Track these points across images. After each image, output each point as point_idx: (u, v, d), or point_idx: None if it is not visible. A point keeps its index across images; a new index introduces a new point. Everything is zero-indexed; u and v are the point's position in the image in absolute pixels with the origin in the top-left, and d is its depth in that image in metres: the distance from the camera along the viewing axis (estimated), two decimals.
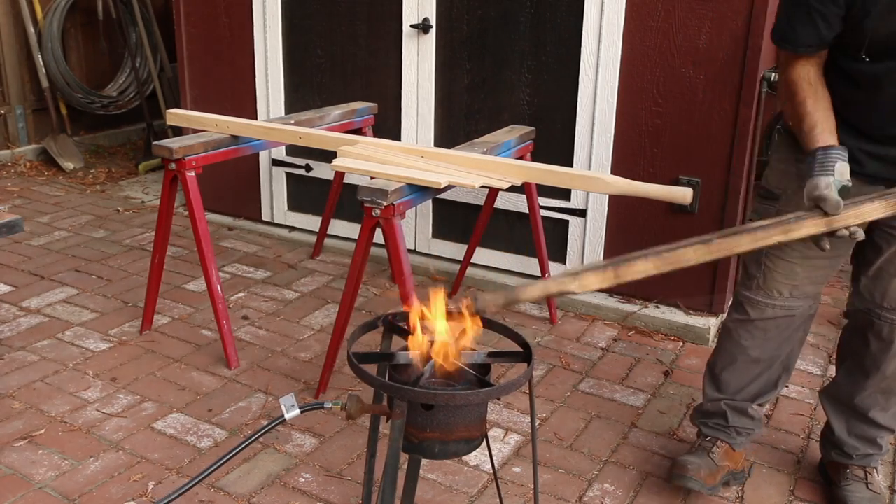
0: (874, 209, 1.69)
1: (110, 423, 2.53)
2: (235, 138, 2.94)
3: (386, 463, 1.54)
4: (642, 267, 1.58)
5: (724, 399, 2.22)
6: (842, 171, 1.72)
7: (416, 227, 3.85)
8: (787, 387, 2.84)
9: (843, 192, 1.68)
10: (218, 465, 1.47)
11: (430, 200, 3.53)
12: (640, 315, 3.31)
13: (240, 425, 2.54)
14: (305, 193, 4.15)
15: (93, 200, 4.72)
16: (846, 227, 1.67)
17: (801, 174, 1.93)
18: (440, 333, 1.55)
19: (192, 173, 2.78)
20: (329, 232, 3.93)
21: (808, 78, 1.86)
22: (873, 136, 1.88)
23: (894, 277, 1.97)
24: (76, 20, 5.58)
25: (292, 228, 4.24)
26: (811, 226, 1.66)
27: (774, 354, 2.15)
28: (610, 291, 3.47)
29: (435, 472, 2.32)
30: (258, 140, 2.98)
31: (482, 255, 3.66)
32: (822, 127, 1.80)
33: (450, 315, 1.57)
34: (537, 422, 2.59)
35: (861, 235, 1.69)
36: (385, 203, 2.34)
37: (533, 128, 3.16)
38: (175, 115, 3.11)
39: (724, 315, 2.51)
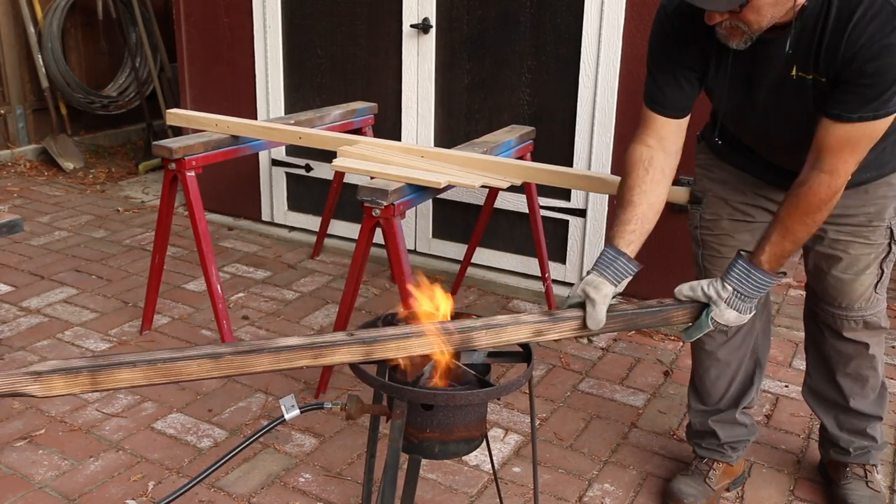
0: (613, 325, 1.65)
1: (110, 423, 2.53)
2: (235, 138, 2.94)
3: (386, 463, 1.54)
4: (128, 376, 1.34)
5: (709, 412, 2.22)
6: (624, 285, 1.69)
7: (416, 227, 3.85)
8: (786, 387, 2.84)
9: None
10: (218, 465, 1.47)
11: (430, 200, 3.53)
12: None
13: (240, 425, 2.54)
14: (305, 193, 4.15)
15: (93, 200, 4.72)
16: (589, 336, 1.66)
17: (719, 180, 2.03)
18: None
19: (192, 173, 2.78)
20: (329, 232, 3.93)
21: (649, 163, 1.79)
22: (760, 155, 1.95)
23: (828, 275, 1.99)
24: (76, 20, 5.58)
25: (292, 228, 4.24)
26: (562, 329, 1.61)
27: (741, 351, 2.16)
28: None
29: (435, 472, 2.32)
30: (258, 140, 2.98)
31: (482, 255, 3.66)
32: (633, 226, 1.73)
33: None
34: (537, 422, 2.59)
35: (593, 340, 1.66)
36: (385, 203, 2.34)
37: (533, 128, 3.16)
38: (175, 115, 3.12)
39: None
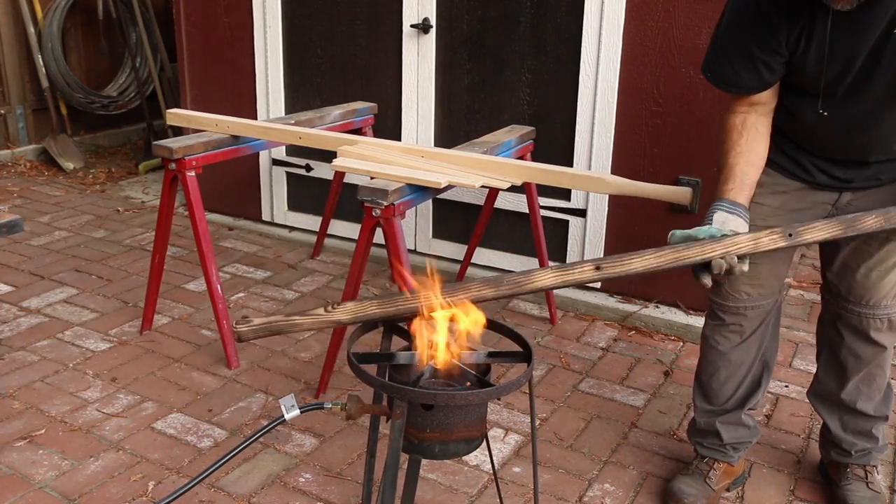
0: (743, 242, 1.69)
1: (110, 423, 2.53)
2: (235, 138, 2.94)
3: (386, 463, 1.54)
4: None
5: (715, 411, 2.22)
6: (722, 220, 1.77)
7: (416, 227, 3.85)
8: (786, 387, 2.84)
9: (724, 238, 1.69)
10: (218, 465, 1.47)
11: (430, 200, 3.53)
12: (640, 315, 3.31)
13: (240, 425, 2.54)
14: (305, 193, 4.15)
15: (93, 200, 4.72)
16: (722, 259, 1.65)
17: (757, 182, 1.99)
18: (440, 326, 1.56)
19: (192, 173, 2.78)
20: (329, 232, 3.93)
21: (741, 126, 1.86)
22: (820, 155, 1.93)
23: (856, 272, 1.99)
24: (76, 20, 5.58)
25: (292, 228, 4.24)
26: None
27: (753, 353, 2.16)
28: (610, 291, 3.47)
29: (435, 472, 2.32)
30: (258, 140, 2.98)
31: (482, 255, 3.66)
32: (733, 184, 1.84)
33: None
34: (537, 422, 2.59)
35: (740, 268, 1.66)
36: (385, 203, 2.34)
37: (533, 128, 3.16)
38: (175, 115, 3.12)
39: None
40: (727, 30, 1.82)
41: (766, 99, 1.86)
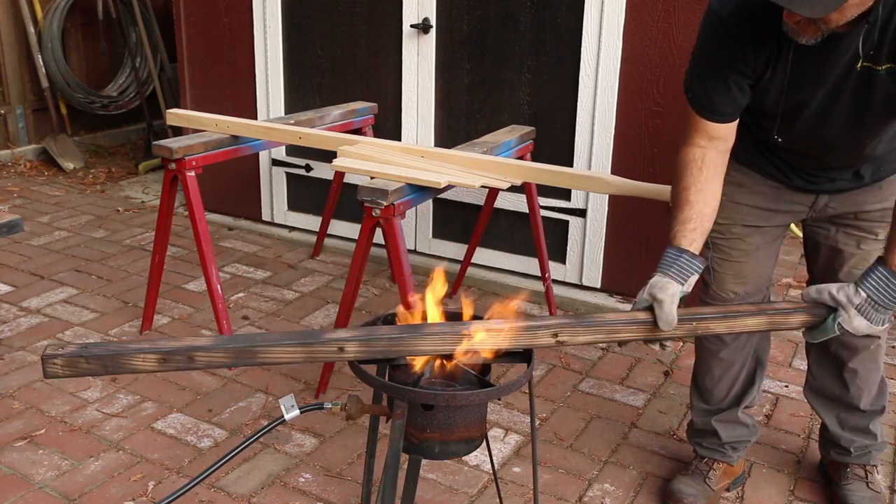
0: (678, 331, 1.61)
1: (110, 423, 2.53)
2: (235, 138, 2.94)
3: (386, 463, 1.54)
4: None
5: (711, 411, 2.22)
6: (692, 283, 1.67)
7: (416, 227, 3.85)
8: (786, 387, 2.84)
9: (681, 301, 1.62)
10: (218, 465, 1.47)
11: (430, 200, 3.53)
12: None
13: (240, 425, 2.54)
14: (305, 193, 4.15)
15: (93, 200, 4.72)
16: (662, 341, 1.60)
17: (734, 182, 1.96)
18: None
19: (192, 173, 2.78)
20: (329, 232, 3.93)
21: (701, 162, 1.78)
22: (793, 165, 1.93)
23: (839, 272, 2.00)
24: (76, 20, 5.58)
25: (292, 228, 4.24)
26: (634, 331, 1.58)
27: (744, 351, 2.16)
28: (610, 291, 3.47)
29: (435, 472, 2.32)
30: (258, 140, 2.98)
31: (482, 255, 3.66)
32: (694, 225, 1.71)
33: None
34: (537, 422, 2.59)
35: (668, 347, 1.61)
36: (385, 203, 2.34)
37: (533, 128, 3.16)
38: (175, 115, 3.12)
39: None
40: (699, 58, 1.81)
41: (726, 134, 1.81)
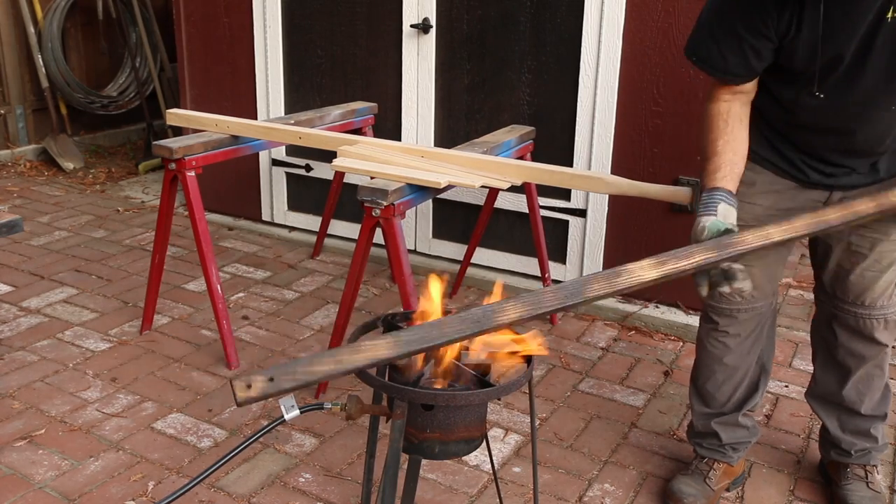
0: (806, 224, 1.64)
1: (110, 423, 2.53)
2: (235, 138, 2.94)
3: (386, 463, 1.54)
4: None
5: (712, 414, 2.21)
6: (725, 213, 1.73)
7: (416, 227, 3.85)
8: (786, 387, 2.84)
9: (727, 234, 1.64)
10: (218, 465, 1.47)
11: (430, 200, 3.53)
12: (640, 315, 3.31)
13: (240, 425, 2.54)
14: (305, 193, 4.15)
15: (93, 200, 4.72)
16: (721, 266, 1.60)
17: (746, 181, 1.95)
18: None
19: (192, 173, 2.78)
20: (329, 232, 3.93)
21: (727, 114, 1.84)
22: (812, 153, 1.91)
23: (851, 273, 1.99)
24: (76, 20, 5.58)
25: (292, 228, 4.24)
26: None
27: (749, 358, 2.15)
28: None
29: (435, 472, 2.32)
30: (258, 140, 2.98)
31: (482, 255, 3.66)
32: (724, 172, 1.81)
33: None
34: (537, 422, 2.59)
35: (738, 278, 1.61)
36: (385, 203, 2.34)
37: (533, 128, 3.16)
38: (175, 115, 3.11)
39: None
40: (715, 12, 1.80)
41: (749, 88, 1.86)
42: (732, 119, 1.84)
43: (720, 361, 2.14)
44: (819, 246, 2.06)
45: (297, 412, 1.48)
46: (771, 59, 1.78)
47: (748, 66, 1.79)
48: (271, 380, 1.31)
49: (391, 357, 1.35)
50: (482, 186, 2.47)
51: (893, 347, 2.11)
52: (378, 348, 1.34)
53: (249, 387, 1.30)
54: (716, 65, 1.81)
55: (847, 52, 1.69)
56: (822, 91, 1.77)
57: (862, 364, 2.08)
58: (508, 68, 3.45)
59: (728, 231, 1.65)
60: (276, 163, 4.14)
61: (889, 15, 1.62)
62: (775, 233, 1.61)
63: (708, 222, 1.69)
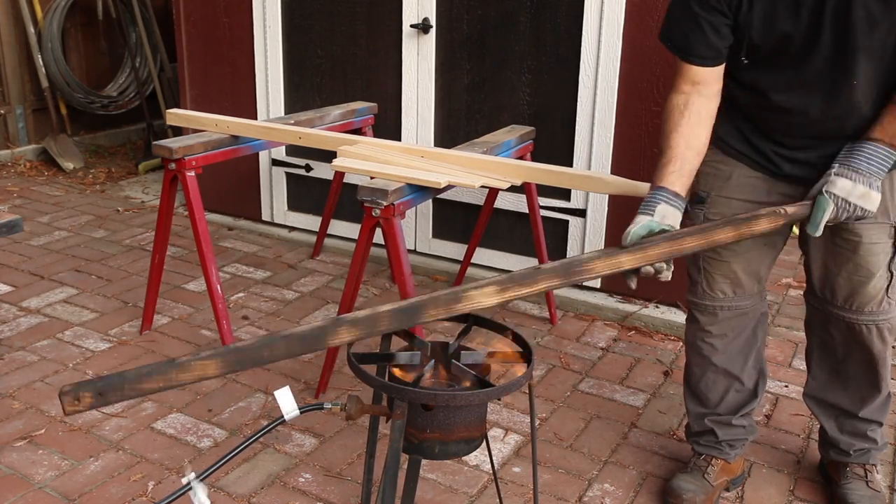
0: (660, 253, 1.67)
1: (110, 423, 2.53)
2: (235, 138, 2.94)
3: (386, 463, 1.54)
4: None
5: (707, 414, 2.21)
6: (664, 213, 1.73)
7: (416, 227, 3.85)
8: (786, 387, 2.84)
9: (661, 234, 1.68)
10: (218, 465, 1.48)
11: (430, 200, 3.53)
12: (640, 315, 3.31)
13: (240, 425, 2.54)
14: (305, 193, 4.15)
15: (93, 200, 4.72)
16: (647, 266, 1.67)
17: (724, 176, 1.98)
18: None
19: (192, 173, 2.78)
20: (329, 232, 3.93)
21: (684, 107, 1.82)
22: (783, 142, 1.90)
23: (838, 276, 1.97)
24: (76, 20, 5.58)
25: (292, 228, 4.24)
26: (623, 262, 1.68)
27: (740, 361, 2.14)
28: (610, 291, 3.47)
29: (435, 472, 2.32)
30: (258, 140, 2.98)
31: (482, 255, 3.66)
32: (674, 167, 1.79)
33: None
34: (537, 422, 2.59)
35: (665, 275, 1.68)
36: (385, 203, 2.34)
37: (533, 128, 3.16)
38: (175, 115, 3.12)
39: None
40: None
41: (709, 79, 1.83)
42: (690, 113, 1.81)
43: (709, 362, 2.15)
44: (810, 245, 2.03)
45: (296, 412, 1.48)
46: (730, 36, 1.78)
47: (708, 44, 1.78)
48: (100, 394, 1.39)
49: (219, 375, 1.46)
50: (482, 186, 2.47)
51: (894, 348, 2.11)
52: (206, 367, 1.44)
53: (78, 401, 1.38)
54: (681, 45, 1.82)
55: (801, 23, 1.69)
56: (783, 64, 1.78)
57: (858, 367, 2.08)
58: (508, 68, 3.45)
59: (663, 232, 1.68)
60: (276, 163, 4.14)
61: None
62: (626, 261, 1.66)
63: (642, 222, 1.70)
